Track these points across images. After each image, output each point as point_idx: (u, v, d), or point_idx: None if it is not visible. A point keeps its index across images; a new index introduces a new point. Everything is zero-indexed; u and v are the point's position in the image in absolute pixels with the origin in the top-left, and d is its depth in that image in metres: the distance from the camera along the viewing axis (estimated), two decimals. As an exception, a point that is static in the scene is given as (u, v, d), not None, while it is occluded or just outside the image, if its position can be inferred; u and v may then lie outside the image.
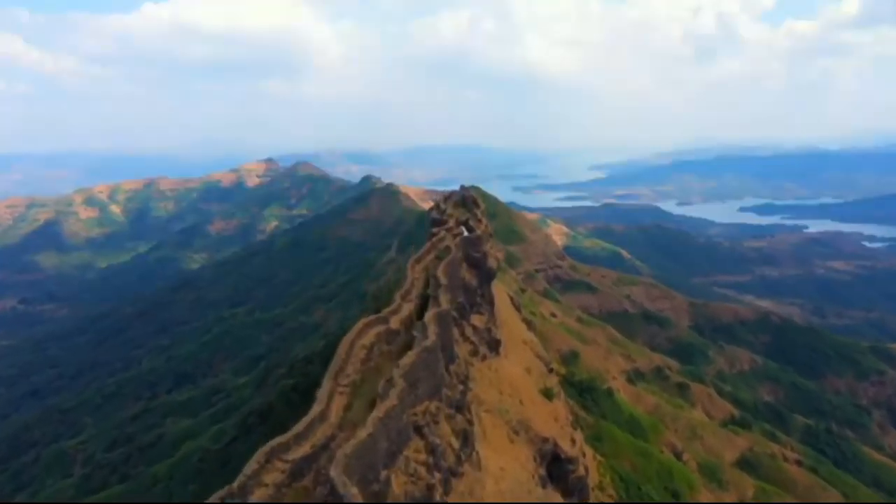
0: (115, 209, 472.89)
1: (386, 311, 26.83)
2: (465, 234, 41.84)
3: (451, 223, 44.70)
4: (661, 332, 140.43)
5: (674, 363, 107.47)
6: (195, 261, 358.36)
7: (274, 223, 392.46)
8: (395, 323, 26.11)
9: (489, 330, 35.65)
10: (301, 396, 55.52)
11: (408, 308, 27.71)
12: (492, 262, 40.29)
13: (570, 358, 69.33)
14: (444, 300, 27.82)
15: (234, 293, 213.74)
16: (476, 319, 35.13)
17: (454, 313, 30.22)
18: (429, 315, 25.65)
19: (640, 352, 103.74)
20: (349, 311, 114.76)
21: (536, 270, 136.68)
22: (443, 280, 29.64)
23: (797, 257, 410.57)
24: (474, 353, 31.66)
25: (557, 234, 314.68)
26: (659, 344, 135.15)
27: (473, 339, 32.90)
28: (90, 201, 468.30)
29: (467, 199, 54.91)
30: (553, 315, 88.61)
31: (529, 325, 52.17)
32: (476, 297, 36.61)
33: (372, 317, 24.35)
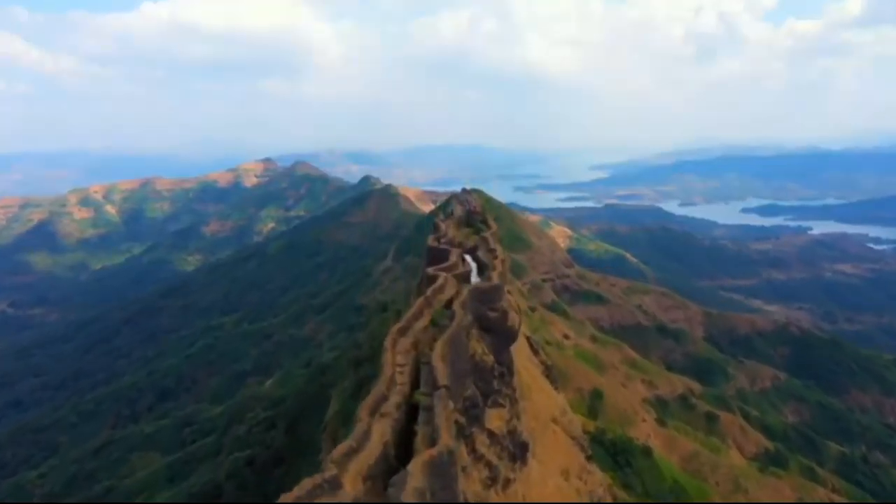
0: (110, 209, 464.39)
1: (338, 449, 15.20)
2: (474, 272, 32.25)
3: (454, 257, 33.61)
4: (676, 348, 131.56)
5: (696, 385, 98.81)
6: (189, 263, 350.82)
7: (271, 224, 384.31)
8: (351, 487, 13.80)
9: (513, 431, 24.54)
10: (256, 476, 46.45)
11: (380, 437, 15.86)
12: (514, 320, 28.37)
13: (594, 398, 60.66)
14: (445, 415, 16.68)
15: (225, 300, 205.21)
16: (494, 419, 23.70)
17: (461, 419, 20.13)
18: (415, 472, 13.62)
19: (659, 374, 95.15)
20: (341, 325, 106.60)
21: (543, 280, 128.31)
22: (442, 377, 18.46)
23: (804, 260, 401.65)
24: (492, 480, 21.01)
25: (561, 236, 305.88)
26: (675, 360, 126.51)
27: (490, 455, 21.84)
28: (85, 201, 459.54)
29: (473, 216, 45.27)
30: (566, 337, 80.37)
31: (550, 372, 43.07)
32: (493, 382, 24.91)
33: (307, 482, 13.74)
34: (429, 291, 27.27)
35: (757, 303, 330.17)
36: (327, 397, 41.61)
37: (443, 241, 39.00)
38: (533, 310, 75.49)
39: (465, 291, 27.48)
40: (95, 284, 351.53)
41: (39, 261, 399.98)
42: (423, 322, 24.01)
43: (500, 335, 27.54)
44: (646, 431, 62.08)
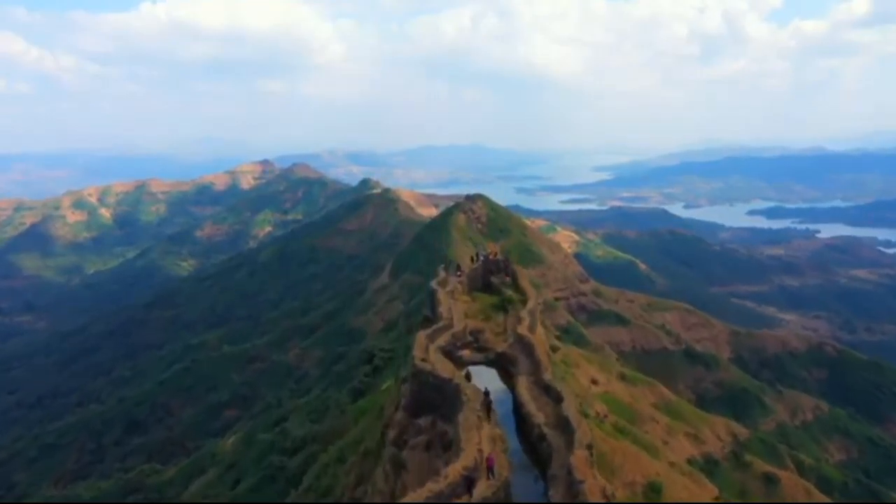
0: (104, 212, 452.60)
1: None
2: (508, 439, 14.69)
3: (470, 431, 16.50)
4: (707, 375, 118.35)
5: (741, 429, 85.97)
6: (183, 268, 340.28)
7: (267, 229, 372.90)
8: None
9: None
10: None
11: None
12: None
13: (651, 494, 47.52)
14: None
15: (213, 312, 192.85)
16: None
17: None
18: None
19: (700, 420, 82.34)
20: (329, 351, 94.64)
21: (556, 299, 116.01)
22: None
23: (816, 265, 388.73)
24: None
25: (567, 241, 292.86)
26: (706, 389, 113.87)
27: None
28: (79, 204, 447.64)
29: (493, 266, 27.44)
30: (594, 382, 68.18)
31: (602, 492, 30.52)
32: None
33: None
34: None
35: (771, 310, 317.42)
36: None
37: (443, 340, 21.21)
38: (555, 350, 62.89)
39: None
40: (86, 290, 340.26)
41: (30, 265, 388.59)
42: None
43: None
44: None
